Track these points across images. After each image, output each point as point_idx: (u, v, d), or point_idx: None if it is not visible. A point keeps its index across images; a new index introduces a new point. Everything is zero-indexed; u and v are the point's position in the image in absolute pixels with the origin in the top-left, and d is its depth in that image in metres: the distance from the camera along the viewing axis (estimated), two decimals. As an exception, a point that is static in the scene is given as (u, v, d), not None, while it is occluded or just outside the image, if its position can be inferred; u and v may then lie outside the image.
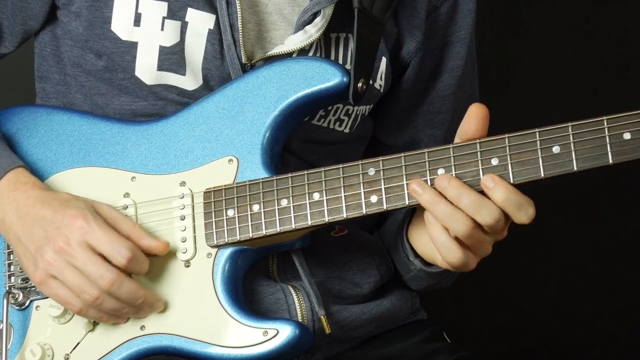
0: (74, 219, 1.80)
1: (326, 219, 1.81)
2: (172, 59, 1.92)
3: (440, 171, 1.76)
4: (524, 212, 1.73)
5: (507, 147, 1.73)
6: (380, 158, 1.80)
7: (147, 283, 1.84)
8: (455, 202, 1.73)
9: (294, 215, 1.82)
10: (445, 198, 1.74)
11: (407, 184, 1.76)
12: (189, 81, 1.93)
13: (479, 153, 1.74)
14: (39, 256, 1.81)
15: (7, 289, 1.90)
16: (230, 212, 1.85)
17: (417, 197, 1.75)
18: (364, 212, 1.79)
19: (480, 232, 1.75)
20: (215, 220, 1.85)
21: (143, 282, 1.83)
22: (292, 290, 1.92)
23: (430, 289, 2.05)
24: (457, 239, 1.76)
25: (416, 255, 1.93)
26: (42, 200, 1.84)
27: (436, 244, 1.78)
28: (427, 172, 1.77)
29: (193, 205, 1.87)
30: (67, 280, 1.79)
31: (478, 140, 1.75)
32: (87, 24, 1.93)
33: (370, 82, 1.95)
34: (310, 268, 1.94)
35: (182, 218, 1.87)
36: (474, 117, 1.76)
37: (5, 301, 1.88)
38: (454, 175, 1.75)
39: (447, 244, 1.76)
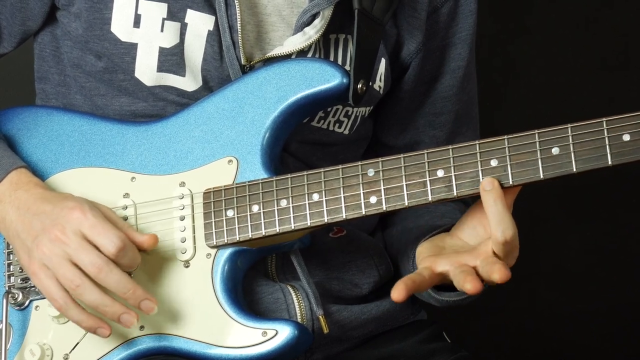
0: (71, 211, 1.80)
1: (325, 219, 1.81)
2: (171, 60, 1.92)
3: (440, 172, 1.76)
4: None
5: (507, 149, 1.73)
6: (380, 159, 1.79)
7: (147, 283, 1.84)
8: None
9: (294, 216, 1.82)
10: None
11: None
12: (189, 82, 1.93)
13: (478, 154, 1.74)
14: (34, 246, 1.80)
15: (7, 289, 1.91)
16: (230, 213, 1.85)
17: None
18: (363, 213, 1.79)
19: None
20: (214, 221, 1.85)
21: (142, 282, 1.83)
22: (291, 290, 1.92)
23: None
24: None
25: None
26: (43, 198, 1.84)
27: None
28: (427, 172, 1.76)
29: (192, 206, 1.87)
30: (54, 266, 1.78)
31: (477, 142, 1.75)
32: (87, 25, 1.93)
33: (370, 83, 1.95)
34: (309, 268, 1.94)
35: (182, 218, 1.87)
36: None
37: (4, 301, 1.88)
38: (453, 176, 1.75)
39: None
